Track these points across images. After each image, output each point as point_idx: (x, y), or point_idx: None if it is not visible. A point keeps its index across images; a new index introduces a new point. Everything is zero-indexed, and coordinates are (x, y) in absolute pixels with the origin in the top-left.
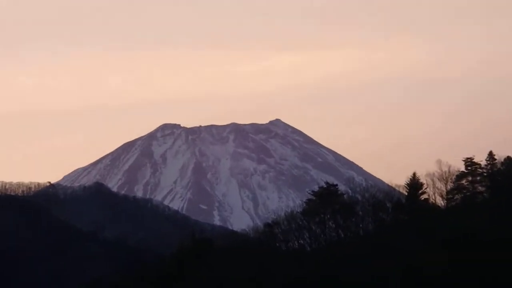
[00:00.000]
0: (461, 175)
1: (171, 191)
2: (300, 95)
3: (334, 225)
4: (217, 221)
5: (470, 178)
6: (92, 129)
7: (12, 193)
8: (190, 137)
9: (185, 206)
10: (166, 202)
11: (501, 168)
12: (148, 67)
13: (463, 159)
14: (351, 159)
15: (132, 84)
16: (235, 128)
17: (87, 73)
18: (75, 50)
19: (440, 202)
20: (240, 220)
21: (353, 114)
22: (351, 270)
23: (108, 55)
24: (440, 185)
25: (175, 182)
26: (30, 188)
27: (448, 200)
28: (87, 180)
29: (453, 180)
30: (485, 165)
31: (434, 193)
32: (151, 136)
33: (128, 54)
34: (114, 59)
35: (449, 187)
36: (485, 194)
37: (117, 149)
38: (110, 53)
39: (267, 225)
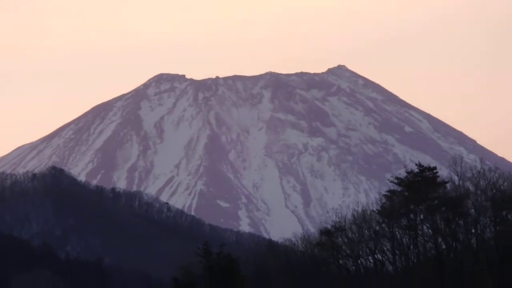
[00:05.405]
0: None
1: (171, 180)
2: (375, 33)
3: (431, 232)
4: (245, 227)
5: None
6: (46, 85)
7: None
8: (201, 94)
9: (194, 203)
10: (163, 198)
11: None
12: None
13: None
14: (458, 128)
15: (110, 18)
16: (273, 80)
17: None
18: None
19: None
20: (282, 224)
21: (456, 61)
22: None
23: None
24: None
25: (177, 167)
26: None
27: None
28: (36, 164)
29: None
30: None
31: None
32: (139, 93)
33: None
34: None
35: None
36: None
37: (84, 115)
38: None
39: (325, 232)
